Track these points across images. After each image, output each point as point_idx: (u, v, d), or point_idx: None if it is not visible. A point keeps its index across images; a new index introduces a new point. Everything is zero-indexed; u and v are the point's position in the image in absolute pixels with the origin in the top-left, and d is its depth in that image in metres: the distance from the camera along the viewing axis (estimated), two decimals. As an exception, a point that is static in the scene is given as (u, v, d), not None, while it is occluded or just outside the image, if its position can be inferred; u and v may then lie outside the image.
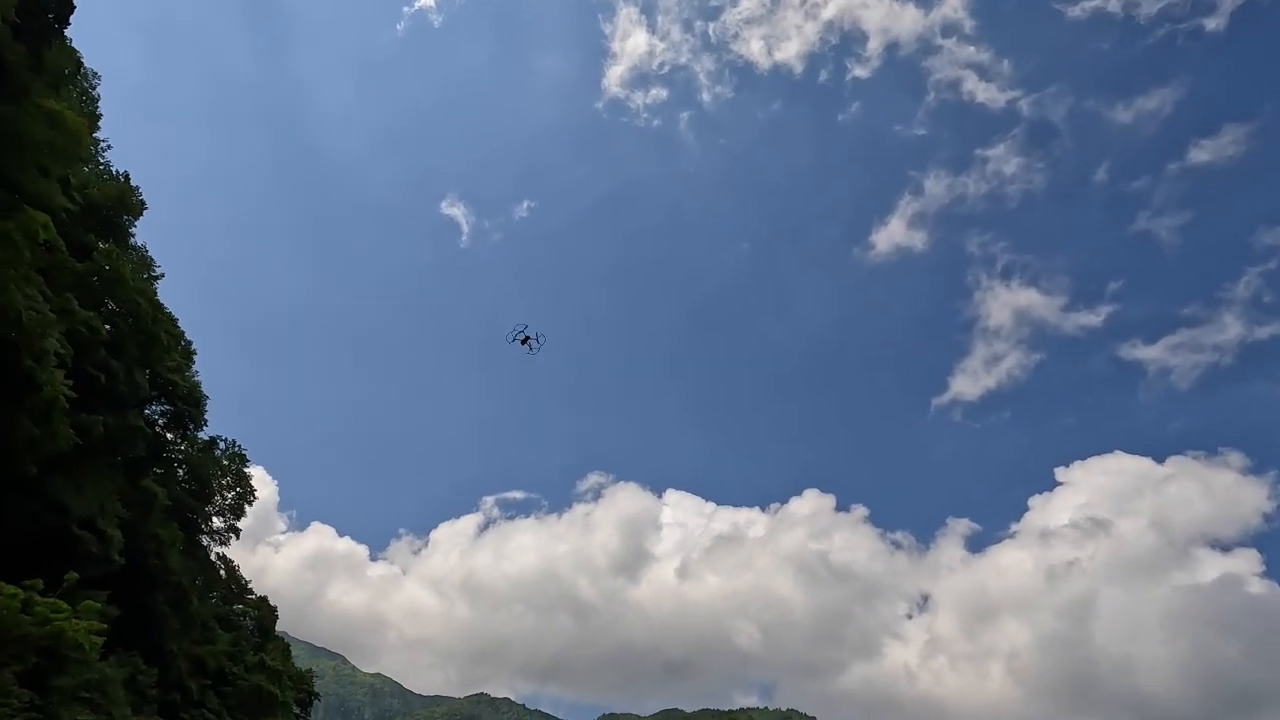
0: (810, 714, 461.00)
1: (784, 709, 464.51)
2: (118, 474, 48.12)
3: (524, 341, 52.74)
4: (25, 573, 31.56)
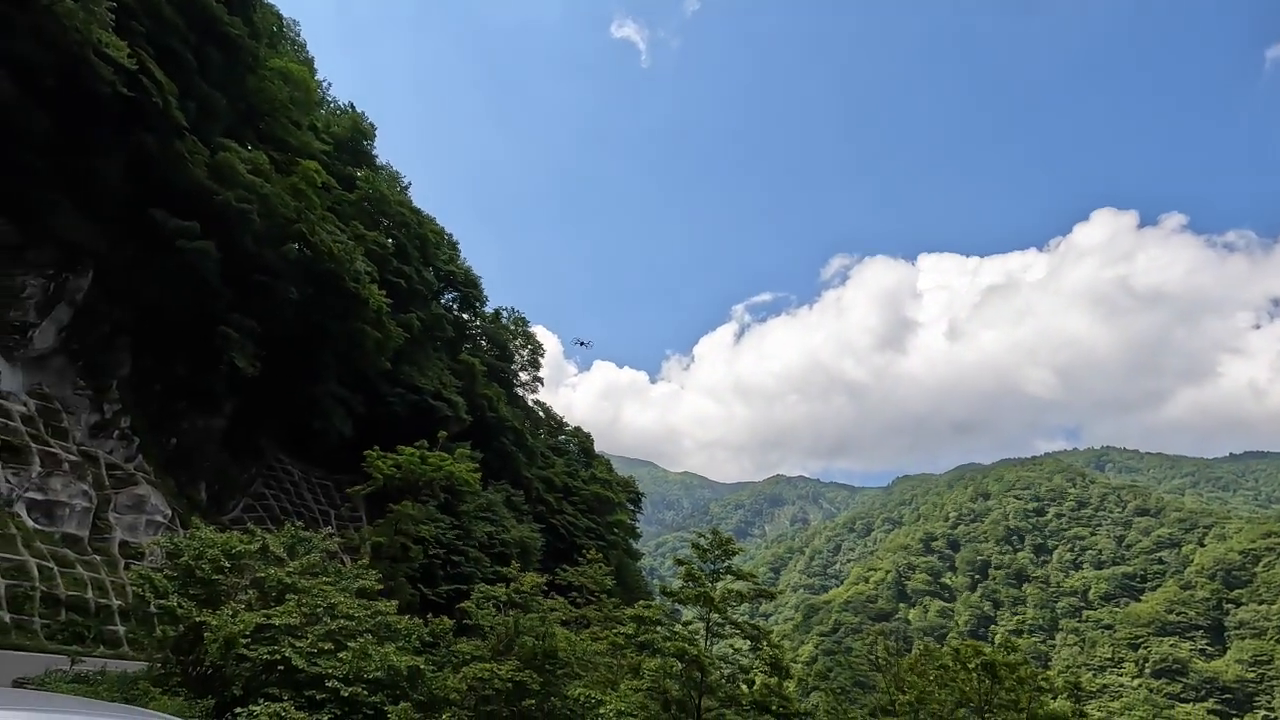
0: (1130, 448, 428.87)
1: (1097, 447, 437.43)
2: (442, 354, 58.97)
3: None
4: (409, 438, 41.43)
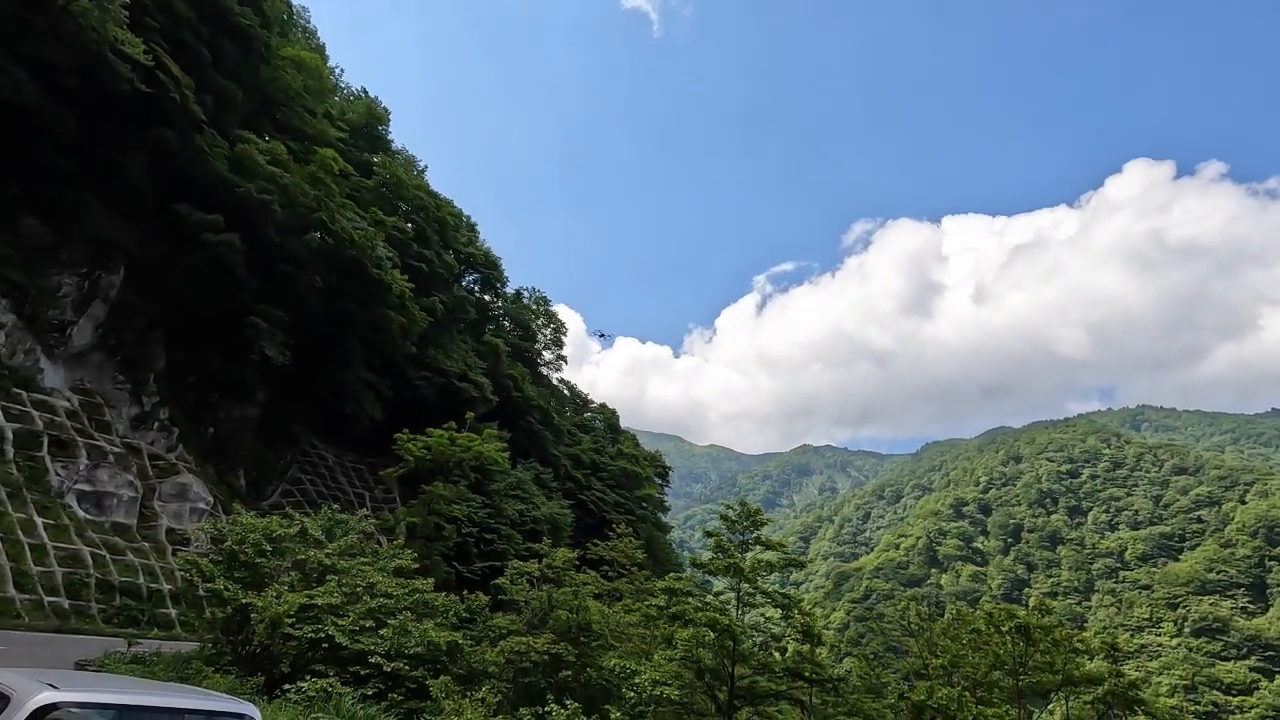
0: (1167, 407, 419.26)
1: (1132, 407, 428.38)
2: (466, 336, 59.48)
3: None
4: (438, 420, 42.06)
